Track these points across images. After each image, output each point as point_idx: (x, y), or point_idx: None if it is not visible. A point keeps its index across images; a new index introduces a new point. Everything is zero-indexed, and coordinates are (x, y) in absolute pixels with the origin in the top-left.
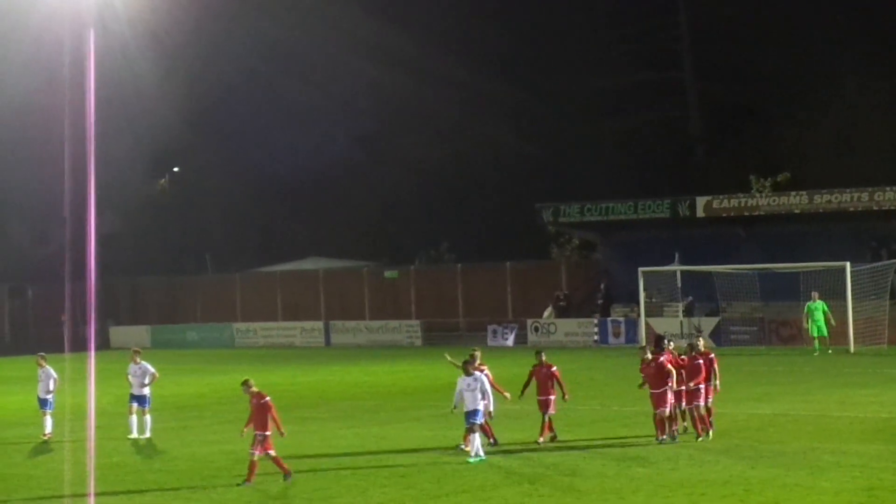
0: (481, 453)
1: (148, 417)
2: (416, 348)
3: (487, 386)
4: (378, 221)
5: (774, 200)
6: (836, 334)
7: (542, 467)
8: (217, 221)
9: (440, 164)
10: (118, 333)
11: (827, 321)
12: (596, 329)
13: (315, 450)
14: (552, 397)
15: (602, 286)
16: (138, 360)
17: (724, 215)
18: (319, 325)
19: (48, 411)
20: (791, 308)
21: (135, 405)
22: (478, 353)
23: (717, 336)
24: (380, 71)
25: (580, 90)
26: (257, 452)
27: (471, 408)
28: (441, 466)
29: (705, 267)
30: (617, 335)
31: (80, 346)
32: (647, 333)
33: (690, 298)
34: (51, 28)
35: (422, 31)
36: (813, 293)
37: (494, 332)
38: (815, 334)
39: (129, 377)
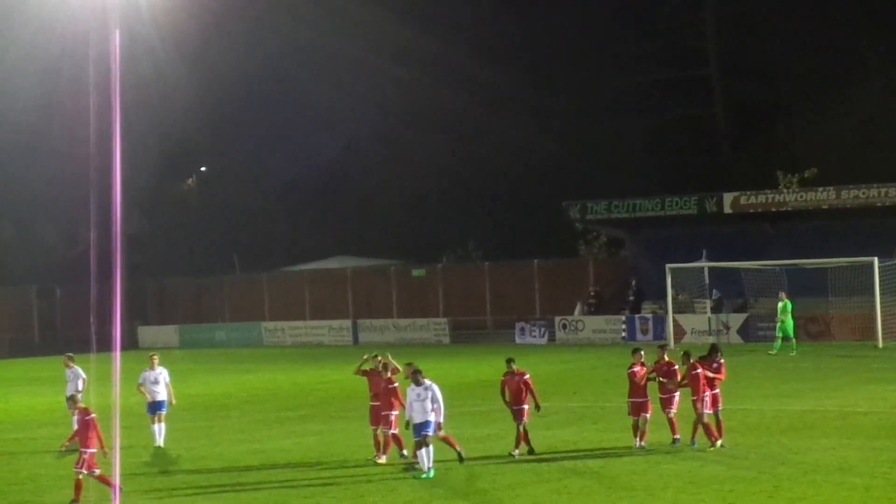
0: (426, 467)
1: (164, 425)
2: (444, 346)
3: (439, 396)
4: (405, 220)
5: (802, 196)
6: (865, 330)
7: (571, 465)
8: (244, 221)
9: (467, 163)
10: (146, 333)
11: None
12: (624, 326)
13: (343, 448)
14: (525, 407)
15: (633, 283)
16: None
17: (752, 211)
18: (347, 323)
19: None
20: (819, 304)
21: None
22: (379, 358)
23: (745, 332)
24: (406, 71)
25: (606, 88)
26: (84, 471)
27: (419, 419)
28: (470, 465)
29: (733, 263)
30: (645, 332)
31: (107, 346)
32: (674, 330)
33: (719, 295)
34: (76, 29)
35: (447, 31)
36: (781, 293)
37: (522, 329)
38: (782, 334)
39: (148, 385)
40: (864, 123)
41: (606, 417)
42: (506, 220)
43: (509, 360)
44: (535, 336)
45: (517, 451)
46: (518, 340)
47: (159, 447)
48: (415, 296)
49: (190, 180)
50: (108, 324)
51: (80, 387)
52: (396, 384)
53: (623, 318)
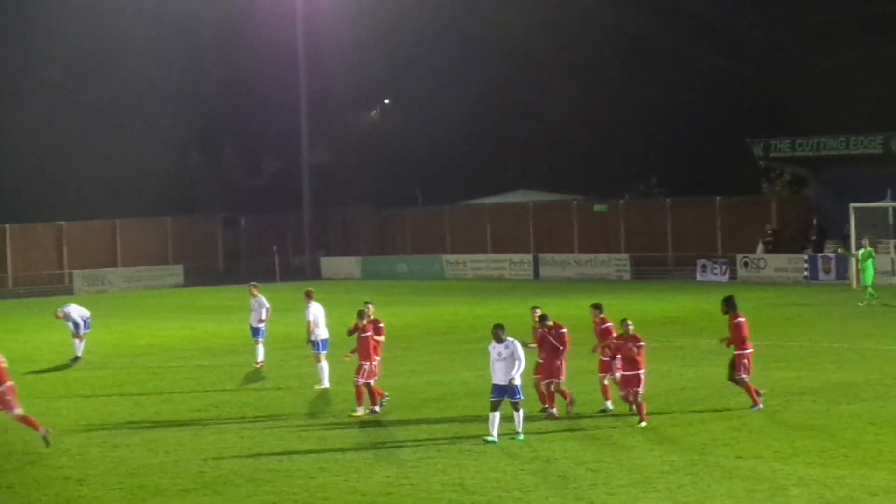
0: (493, 432)
1: (325, 364)
2: (625, 282)
3: (521, 352)
4: (588, 154)
5: None
6: None
7: (748, 404)
8: (427, 153)
9: (652, 96)
10: (329, 264)
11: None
12: (806, 265)
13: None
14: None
15: (815, 222)
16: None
17: None
18: (528, 257)
19: (260, 340)
20: None
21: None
22: (371, 307)
23: None
24: (594, 1)
25: (796, 24)
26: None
27: (501, 381)
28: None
29: None
30: (827, 272)
31: (290, 275)
32: (857, 272)
33: None
34: None
35: None
36: (864, 240)
37: (704, 266)
38: (870, 282)
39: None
40: None
41: (789, 357)
42: (689, 155)
43: (537, 310)
44: (716, 273)
45: (554, 410)
46: (699, 278)
47: (326, 388)
48: (596, 231)
49: (374, 112)
50: (291, 253)
51: (264, 316)
52: (369, 333)
53: (806, 256)
